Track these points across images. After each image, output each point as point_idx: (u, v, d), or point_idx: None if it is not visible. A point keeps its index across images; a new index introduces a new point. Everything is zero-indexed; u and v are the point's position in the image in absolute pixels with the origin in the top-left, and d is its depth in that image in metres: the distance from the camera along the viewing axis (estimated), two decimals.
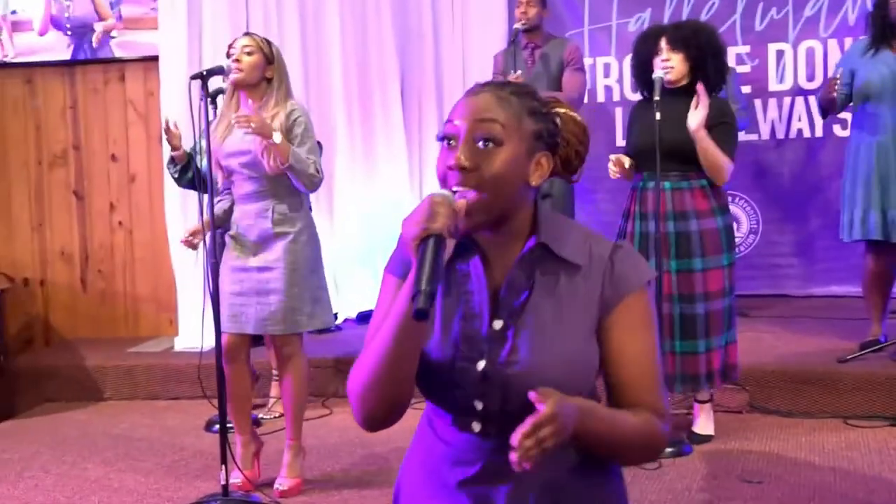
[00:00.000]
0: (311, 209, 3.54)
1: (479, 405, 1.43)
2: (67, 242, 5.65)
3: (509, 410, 1.40)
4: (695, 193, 3.64)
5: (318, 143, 4.53)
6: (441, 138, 1.45)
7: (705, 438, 3.77)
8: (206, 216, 3.14)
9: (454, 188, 1.40)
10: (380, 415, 1.45)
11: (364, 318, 5.66)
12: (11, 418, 4.68)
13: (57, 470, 3.74)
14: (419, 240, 1.32)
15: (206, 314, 3.17)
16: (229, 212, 3.39)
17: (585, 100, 5.93)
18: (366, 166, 5.98)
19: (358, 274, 5.91)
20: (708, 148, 3.53)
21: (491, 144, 1.40)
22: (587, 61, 6.10)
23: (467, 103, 1.44)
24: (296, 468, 3.38)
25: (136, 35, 5.56)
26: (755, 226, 5.94)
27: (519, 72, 4.66)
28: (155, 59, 5.29)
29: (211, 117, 3.32)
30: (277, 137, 3.13)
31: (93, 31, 5.54)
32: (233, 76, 3.20)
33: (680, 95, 3.64)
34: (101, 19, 5.54)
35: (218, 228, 3.37)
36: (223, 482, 3.14)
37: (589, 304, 1.45)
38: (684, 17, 5.80)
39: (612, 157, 3.70)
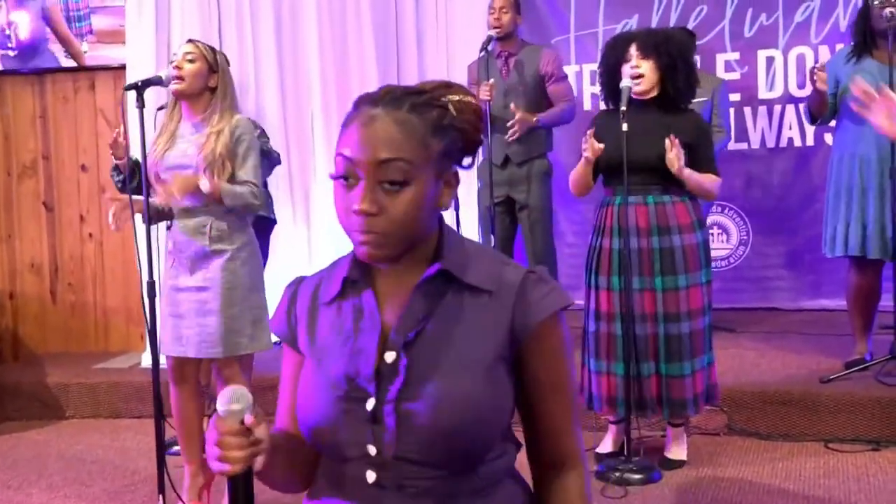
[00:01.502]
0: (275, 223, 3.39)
1: (372, 450, 1.28)
2: (37, 254, 5.53)
3: (405, 456, 1.27)
4: (677, 208, 3.48)
5: (276, 153, 4.40)
6: (336, 177, 1.28)
7: (677, 464, 3.60)
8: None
9: (359, 233, 1.26)
10: (290, 489, 1.43)
11: None
12: None
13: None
14: (225, 477, 1.24)
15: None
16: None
17: None
18: None
19: None
20: (699, 183, 3.43)
21: (397, 186, 1.25)
22: (573, 68, 5.96)
23: (363, 135, 1.26)
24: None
25: (109, 49, 5.43)
26: (745, 237, 5.78)
27: (492, 80, 4.51)
28: (125, 67, 5.16)
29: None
30: (204, 185, 2.99)
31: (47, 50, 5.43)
32: (173, 86, 3.06)
33: (649, 107, 3.48)
34: (59, 40, 5.43)
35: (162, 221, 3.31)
36: None
37: (498, 333, 1.31)
38: (672, 22, 5.64)
39: (589, 132, 3.51)
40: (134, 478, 3.71)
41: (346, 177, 1.27)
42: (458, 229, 5.22)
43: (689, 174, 3.38)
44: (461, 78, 5.11)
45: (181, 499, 3.14)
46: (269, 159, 4.23)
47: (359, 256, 1.29)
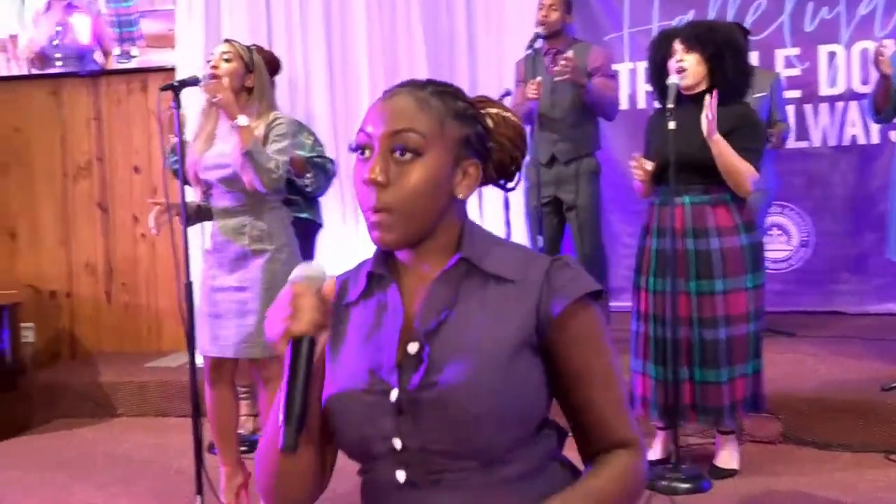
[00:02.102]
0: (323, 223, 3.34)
1: (397, 444, 1.24)
2: (92, 255, 5.60)
3: (432, 448, 1.23)
4: (717, 209, 3.36)
5: (332, 162, 4.36)
6: (354, 149, 1.29)
7: (728, 473, 3.47)
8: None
9: (370, 211, 1.24)
10: (286, 498, 1.33)
11: None
12: (24, 434, 4.62)
13: (43, 494, 3.62)
14: (284, 342, 1.17)
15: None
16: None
17: (626, 105, 5.69)
18: None
19: None
20: (723, 153, 3.24)
21: (409, 155, 1.24)
22: (627, 66, 5.86)
23: (382, 108, 1.27)
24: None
25: (158, 53, 5.49)
26: (806, 238, 5.59)
27: (539, 79, 4.42)
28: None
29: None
30: (243, 121, 2.94)
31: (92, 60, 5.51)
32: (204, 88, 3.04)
33: (699, 102, 3.36)
34: (101, 48, 5.50)
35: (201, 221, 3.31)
36: None
37: (523, 320, 1.27)
38: (730, 18, 5.49)
39: (635, 156, 3.44)
40: (177, 477, 3.71)
41: (363, 149, 1.27)
42: (508, 230, 5.15)
43: (719, 141, 3.22)
44: (512, 76, 5.05)
45: (219, 499, 3.12)
46: (325, 170, 4.21)
47: (372, 241, 1.28)
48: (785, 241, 5.64)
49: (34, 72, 5.59)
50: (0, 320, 4.78)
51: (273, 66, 3.74)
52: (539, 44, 4.55)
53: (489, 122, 1.36)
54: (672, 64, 3.37)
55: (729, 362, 3.33)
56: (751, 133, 3.36)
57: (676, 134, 3.27)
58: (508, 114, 1.39)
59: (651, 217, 3.47)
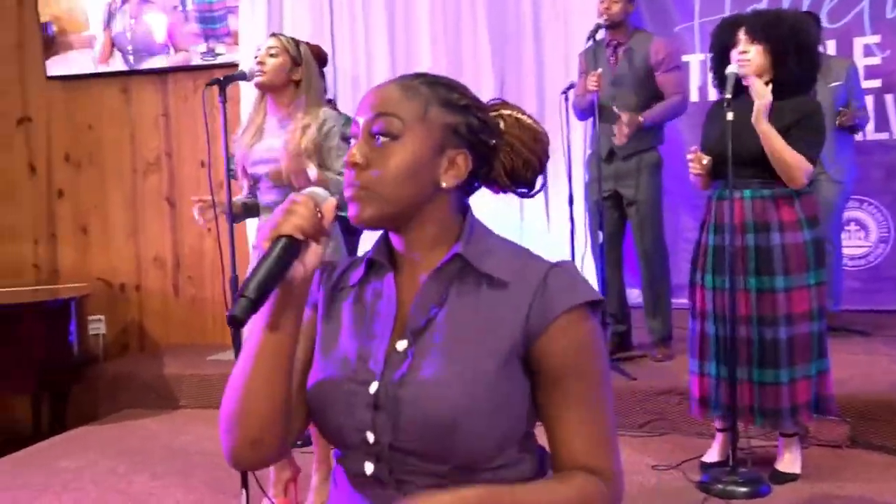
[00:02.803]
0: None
1: (370, 437, 1.23)
2: (160, 249, 5.71)
3: (402, 446, 1.21)
4: (778, 203, 3.23)
5: None
6: (347, 139, 1.29)
7: (789, 478, 3.34)
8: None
9: (348, 187, 1.26)
10: (241, 449, 1.25)
11: None
12: (92, 423, 4.73)
13: (105, 482, 3.70)
14: (270, 241, 1.17)
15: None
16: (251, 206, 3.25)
17: (696, 97, 5.54)
18: None
19: None
20: (772, 143, 3.12)
21: (388, 139, 1.24)
22: (698, 57, 5.70)
23: (370, 97, 1.29)
24: (324, 493, 3.19)
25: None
26: (885, 234, 5.36)
27: (599, 70, 4.33)
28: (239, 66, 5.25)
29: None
30: (312, 173, 2.92)
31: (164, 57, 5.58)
32: (256, 79, 3.05)
33: None
34: (173, 45, 5.56)
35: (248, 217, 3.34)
36: None
37: (513, 326, 1.22)
38: (805, 6, 5.30)
39: (692, 149, 3.34)
40: (231, 470, 3.73)
41: (353, 137, 1.30)
42: (572, 225, 5.07)
43: (768, 130, 3.10)
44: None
45: (266, 494, 3.13)
46: None
47: (350, 219, 1.27)
48: (863, 237, 5.42)
49: (101, 69, 5.68)
50: (68, 313, 4.90)
51: (320, 59, 3.73)
52: (601, 35, 4.46)
53: (500, 123, 1.34)
54: (734, 54, 3.25)
55: (790, 363, 3.21)
56: (809, 127, 3.21)
57: (735, 126, 3.15)
58: (524, 117, 1.36)
59: (708, 212, 3.37)
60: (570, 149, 4.99)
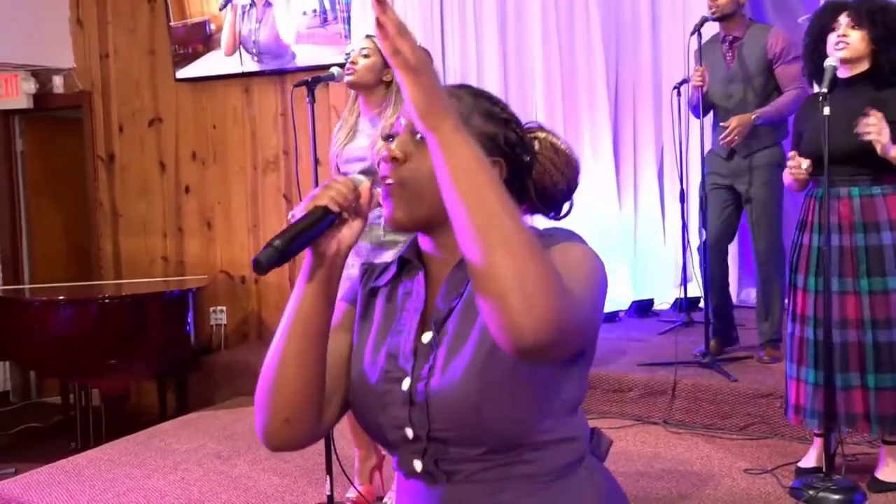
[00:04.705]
0: None
1: (409, 433, 1.26)
2: None
3: (439, 437, 1.24)
4: (889, 201, 3.11)
5: None
6: (384, 137, 1.35)
7: (889, 487, 3.19)
8: None
9: (384, 178, 1.29)
10: (273, 427, 1.28)
11: None
12: (206, 409, 4.97)
13: (209, 465, 3.89)
14: (306, 209, 1.23)
15: None
16: None
17: None
18: None
19: None
20: None
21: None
22: None
23: None
24: None
25: None
26: None
27: (702, 67, 4.23)
28: None
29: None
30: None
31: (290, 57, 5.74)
32: (346, 79, 3.15)
33: (859, 85, 3.14)
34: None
35: None
36: (328, 492, 3.10)
37: None
38: None
39: (793, 154, 3.24)
40: (323, 458, 3.86)
41: (392, 136, 1.33)
42: (683, 222, 4.98)
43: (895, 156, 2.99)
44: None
45: (351, 482, 3.23)
46: None
47: (384, 220, 1.31)
48: None
49: (227, 65, 5.93)
50: (186, 303, 5.17)
51: None
52: (715, 29, 4.36)
53: (535, 144, 1.39)
54: (832, 38, 3.14)
55: None
56: None
57: (837, 121, 3.04)
58: (559, 142, 1.41)
59: (809, 211, 3.24)
60: (683, 145, 4.91)
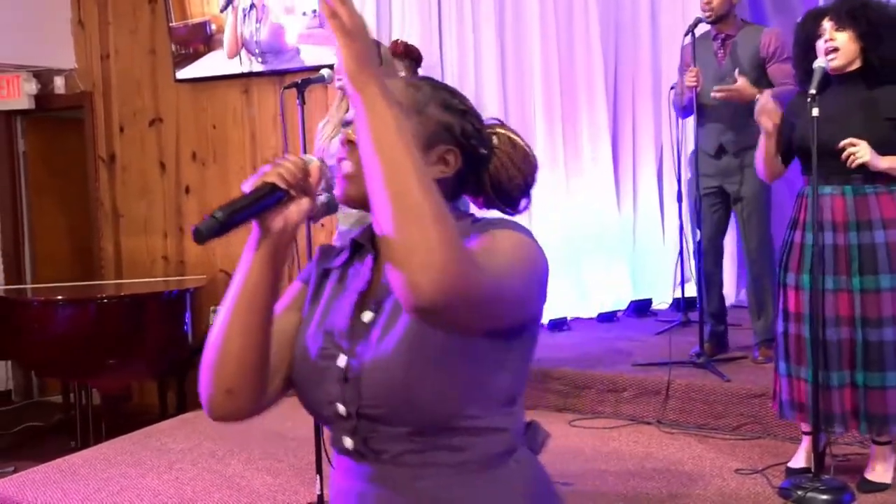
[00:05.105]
0: None
1: (341, 408, 1.29)
2: None
3: (369, 413, 1.27)
4: (882, 199, 3.12)
5: None
6: (345, 123, 1.38)
7: (879, 487, 3.20)
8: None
9: (339, 160, 1.33)
10: (217, 398, 1.32)
11: (555, 325, 5.45)
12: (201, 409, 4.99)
13: (203, 464, 3.92)
14: (253, 186, 1.26)
15: None
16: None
17: None
18: (568, 173, 5.75)
19: (556, 282, 5.70)
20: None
21: None
22: None
23: None
24: None
25: None
26: None
27: (695, 68, 4.24)
28: None
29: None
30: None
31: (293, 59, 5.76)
32: (336, 82, 3.17)
33: (852, 82, 3.15)
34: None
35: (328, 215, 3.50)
36: (318, 492, 3.12)
37: None
38: None
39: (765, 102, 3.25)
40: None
41: (350, 123, 1.35)
42: (680, 222, 4.99)
43: (890, 167, 3.01)
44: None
45: None
46: None
47: (336, 197, 1.35)
48: None
49: (230, 66, 5.95)
50: (184, 303, 5.19)
51: (413, 58, 3.83)
52: (704, 29, 4.37)
53: (494, 139, 1.41)
54: (820, 45, 3.15)
55: None
56: None
57: (831, 119, 3.06)
58: (518, 139, 1.43)
59: (801, 209, 3.25)
60: (681, 145, 4.91)
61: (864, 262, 3.11)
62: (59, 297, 5.07)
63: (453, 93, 1.39)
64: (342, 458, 1.34)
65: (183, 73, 6.06)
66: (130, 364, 5.16)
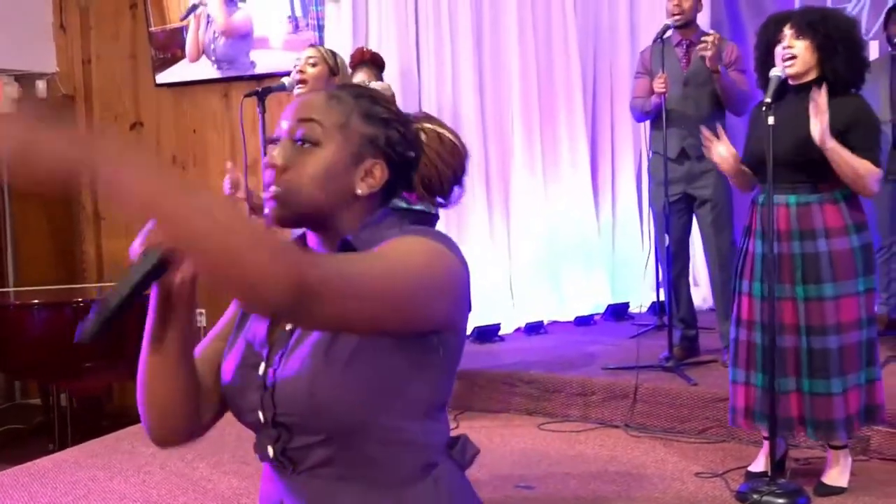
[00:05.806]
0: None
1: (261, 416, 1.31)
2: None
3: (285, 422, 1.29)
4: (825, 208, 3.15)
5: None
6: (270, 141, 1.38)
7: (834, 491, 3.24)
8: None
9: (267, 186, 1.32)
10: (154, 428, 1.37)
11: (531, 329, 5.48)
12: None
13: (172, 467, 3.94)
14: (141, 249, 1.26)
15: None
16: None
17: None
18: (546, 179, 5.78)
19: (534, 287, 5.74)
20: (841, 160, 3.04)
21: (308, 144, 1.32)
22: None
23: (296, 103, 1.37)
24: None
25: None
26: None
27: (664, 74, 4.27)
28: None
29: None
30: None
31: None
32: (296, 90, 3.20)
33: (808, 91, 3.17)
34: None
35: None
36: None
37: None
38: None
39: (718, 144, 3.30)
40: None
41: (275, 140, 1.35)
42: (650, 228, 5.01)
43: (834, 147, 3.02)
44: None
45: None
46: None
47: (266, 220, 1.33)
48: None
49: (196, 71, 5.99)
50: None
51: (378, 64, 3.86)
52: (670, 33, 4.40)
53: (423, 136, 1.41)
54: (779, 50, 3.18)
55: (841, 372, 3.13)
56: (866, 129, 3.13)
57: (781, 127, 3.09)
58: (445, 131, 1.44)
59: (753, 218, 3.29)
60: (650, 152, 4.94)
61: (807, 271, 3.14)
62: (35, 301, 5.09)
63: (375, 99, 1.38)
64: (267, 466, 1.37)
65: (162, 78, 6.10)
66: (110, 366, 5.17)
